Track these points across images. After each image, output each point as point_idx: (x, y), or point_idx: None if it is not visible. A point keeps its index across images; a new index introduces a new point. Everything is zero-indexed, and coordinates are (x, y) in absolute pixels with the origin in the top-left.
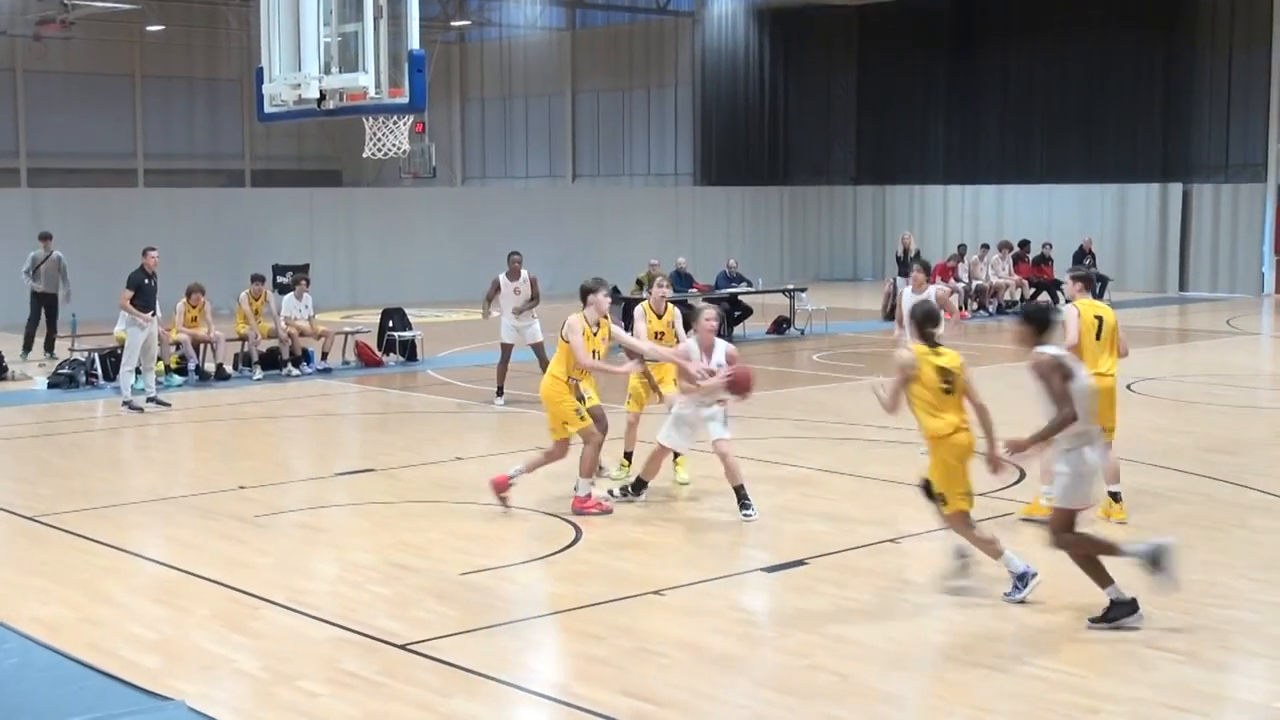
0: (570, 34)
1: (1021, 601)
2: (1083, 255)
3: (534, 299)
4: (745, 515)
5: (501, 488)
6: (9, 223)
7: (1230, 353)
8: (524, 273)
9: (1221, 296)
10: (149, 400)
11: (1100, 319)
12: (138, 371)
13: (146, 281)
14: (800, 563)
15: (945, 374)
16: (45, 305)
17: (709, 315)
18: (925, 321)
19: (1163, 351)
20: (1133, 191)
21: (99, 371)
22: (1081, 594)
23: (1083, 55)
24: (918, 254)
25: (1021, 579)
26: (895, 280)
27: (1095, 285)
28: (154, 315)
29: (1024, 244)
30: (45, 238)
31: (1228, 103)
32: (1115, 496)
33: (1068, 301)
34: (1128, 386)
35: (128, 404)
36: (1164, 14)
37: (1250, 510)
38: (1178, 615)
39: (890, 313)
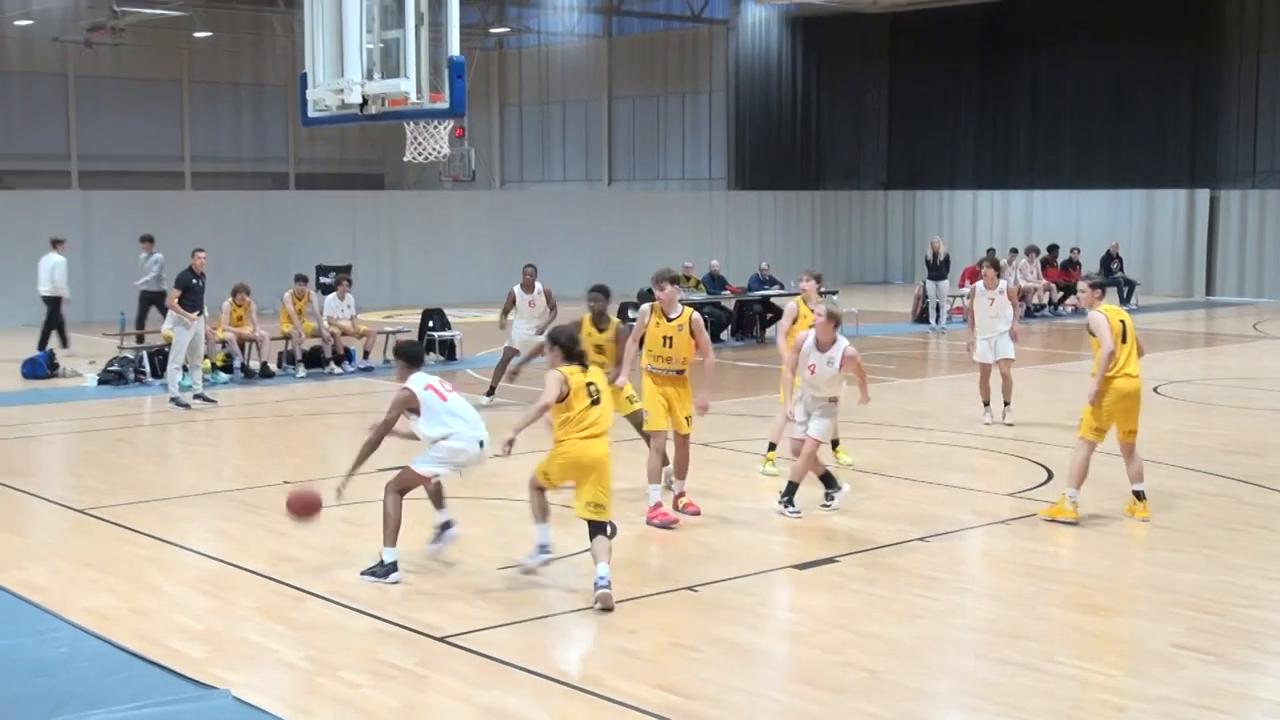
0: (607, 41)
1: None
2: (1110, 260)
3: (552, 310)
4: (783, 509)
5: (665, 520)
6: (61, 223)
7: (1256, 357)
8: (538, 285)
9: (1248, 301)
10: (195, 397)
11: (1123, 322)
12: (185, 369)
13: (194, 282)
14: (831, 560)
15: None
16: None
17: (819, 312)
18: None
19: (1189, 355)
20: (1160, 197)
21: (147, 369)
22: (1113, 594)
23: (1111, 62)
24: (947, 258)
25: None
26: (925, 284)
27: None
28: (201, 315)
29: (1052, 249)
30: (147, 240)
31: (1255, 110)
32: (1139, 495)
33: (1086, 309)
34: (1154, 389)
35: (175, 400)
36: (1192, 22)
37: (1276, 512)
38: (1205, 616)
39: (922, 315)
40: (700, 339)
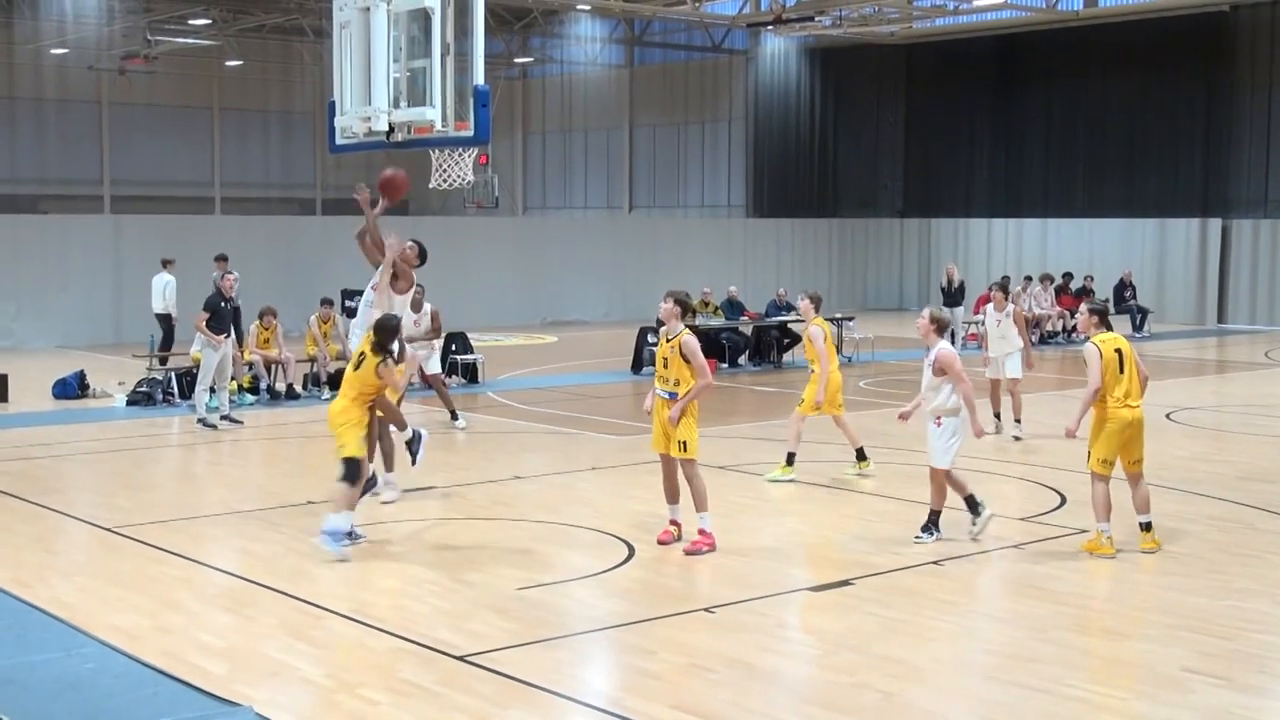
0: (628, 71)
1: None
2: (1124, 288)
3: (435, 332)
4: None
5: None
6: (93, 246)
7: (1268, 384)
8: (426, 305)
9: (1260, 329)
10: (223, 418)
11: (1120, 351)
12: (212, 390)
13: (223, 305)
14: (846, 583)
15: None
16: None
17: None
18: None
19: (1201, 382)
20: (1172, 226)
21: (175, 390)
22: (1123, 618)
23: (1124, 93)
24: (961, 285)
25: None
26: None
27: (1108, 318)
28: (228, 337)
29: (1067, 276)
30: (221, 260)
31: (1267, 140)
32: (1145, 527)
33: (1085, 339)
34: (1167, 416)
35: (202, 421)
36: (1204, 53)
37: None
38: (1216, 640)
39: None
40: (693, 361)
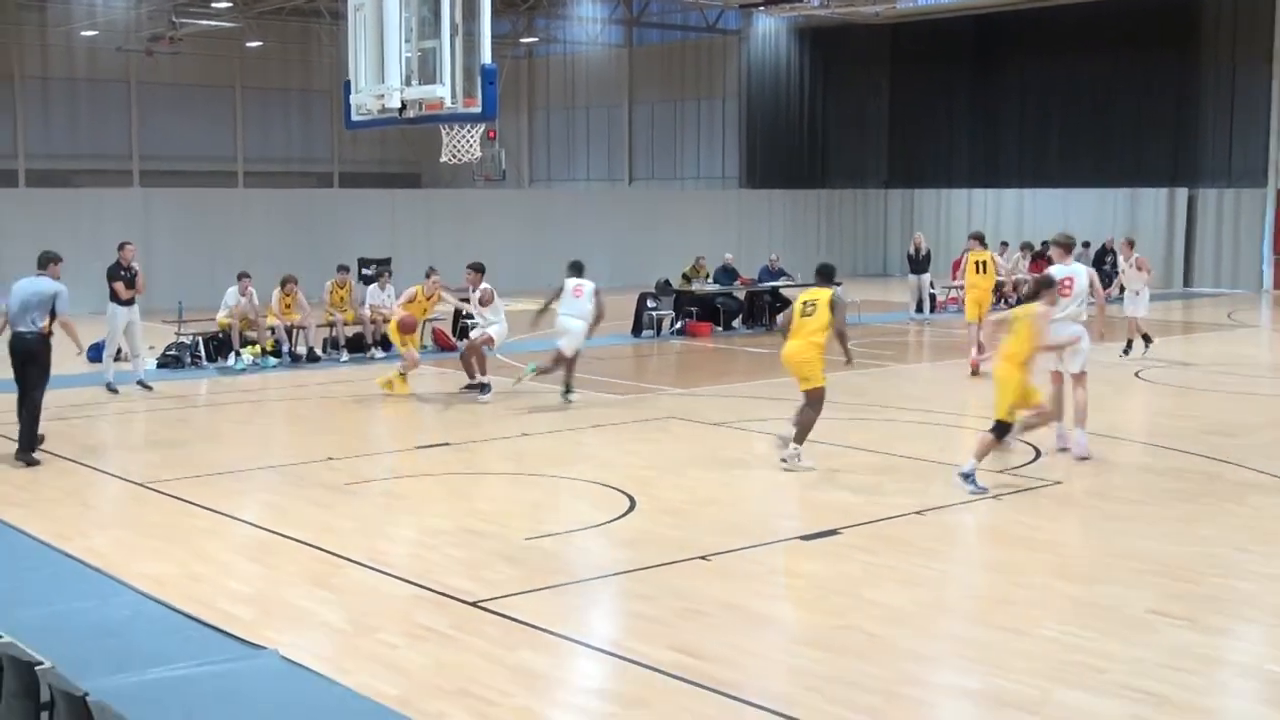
0: (628, 50)
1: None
2: (1104, 254)
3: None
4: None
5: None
6: (124, 219)
7: (1231, 344)
8: (586, 286)
9: (1224, 292)
10: (137, 383)
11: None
12: (119, 356)
13: (123, 273)
14: (834, 532)
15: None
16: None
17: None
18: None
19: (1168, 342)
20: (1142, 195)
21: (202, 353)
22: (1094, 564)
23: (1096, 69)
24: (928, 253)
25: None
26: (918, 278)
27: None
28: (131, 304)
29: (1045, 244)
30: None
31: (1231, 114)
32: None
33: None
34: (1135, 374)
35: (109, 385)
36: (1173, 32)
37: (1249, 489)
38: (1180, 584)
39: (919, 306)
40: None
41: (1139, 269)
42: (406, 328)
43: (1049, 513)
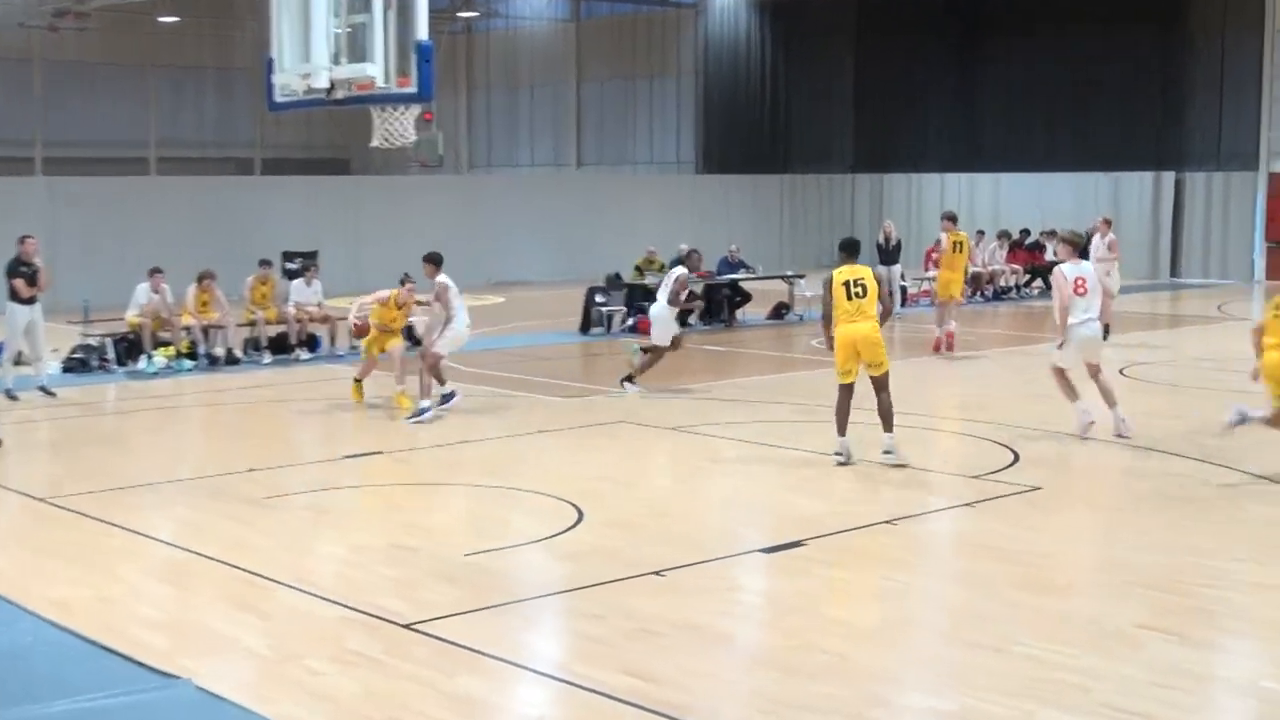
0: (575, 25)
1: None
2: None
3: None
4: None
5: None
6: (25, 209)
7: (1221, 338)
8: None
9: (1213, 283)
10: (39, 389)
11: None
12: (20, 359)
13: (23, 269)
14: (798, 544)
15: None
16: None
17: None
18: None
19: (1155, 337)
20: (1126, 180)
21: (111, 356)
22: (1076, 575)
23: (1078, 46)
24: (899, 243)
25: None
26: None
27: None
28: (33, 302)
29: (1024, 232)
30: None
31: (1220, 93)
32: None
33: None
34: (1121, 371)
35: (8, 392)
36: (1158, 5)
37: (1241, 493)
38: (1168, 596)
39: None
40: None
41: (1110, 250)
42: (360, 332)
43: (1027, 521)
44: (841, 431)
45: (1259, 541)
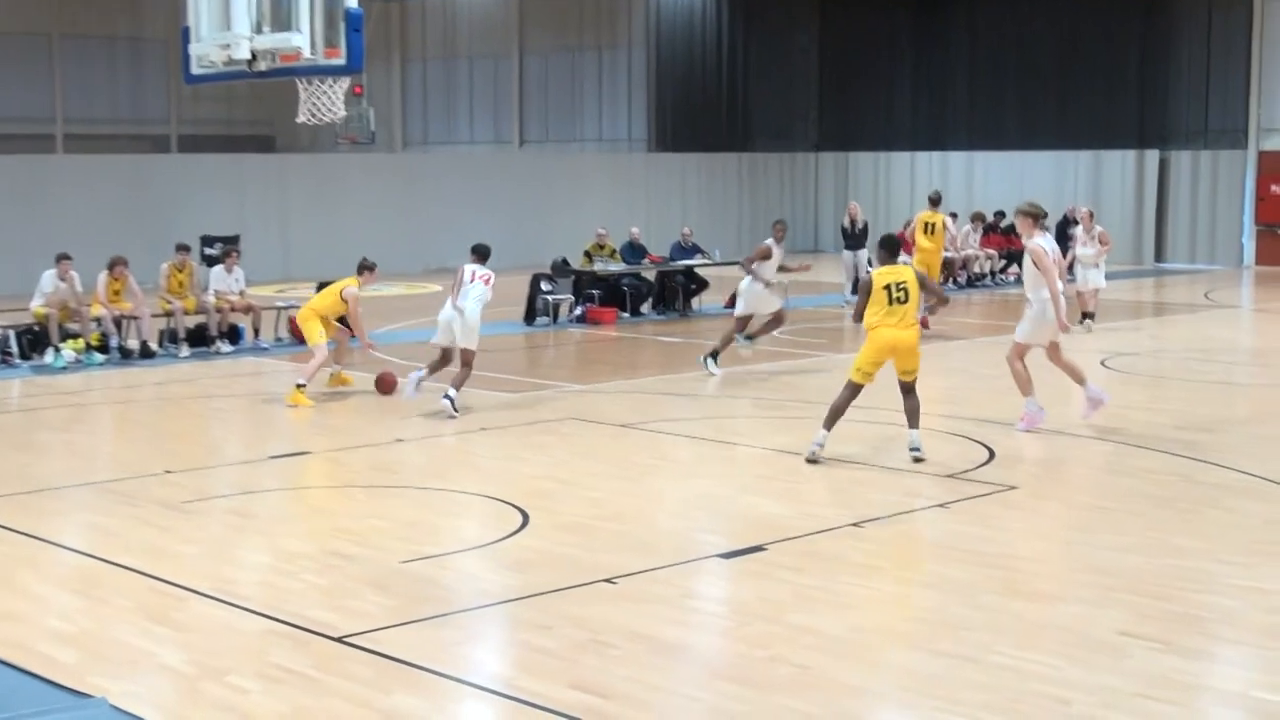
0: None
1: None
2: (1067, 224)
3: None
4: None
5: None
6: None
7: (1208, 327)
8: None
9: (1200, 268)
10: None
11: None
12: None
13: None
14: (759, 548)
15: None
16: None
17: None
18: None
19: (1138, 326)
20: (1108, 158)
21: (14, 349)
22: (1056, 580)
23: (1056, 15)
24: (865, 226)
25: None
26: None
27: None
28: None
29: (998, 215)
30: None
31: (1207, 65)
32: None
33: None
34: (1102, 362)
35: None
36: None
37: (1229, 491)
38: (1153, 602)
39: (855, 286)
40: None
41: (1102, 243)
42: (386, 386)
43: (1003, 522)
44: (828, 426)
45: (1247, 542)
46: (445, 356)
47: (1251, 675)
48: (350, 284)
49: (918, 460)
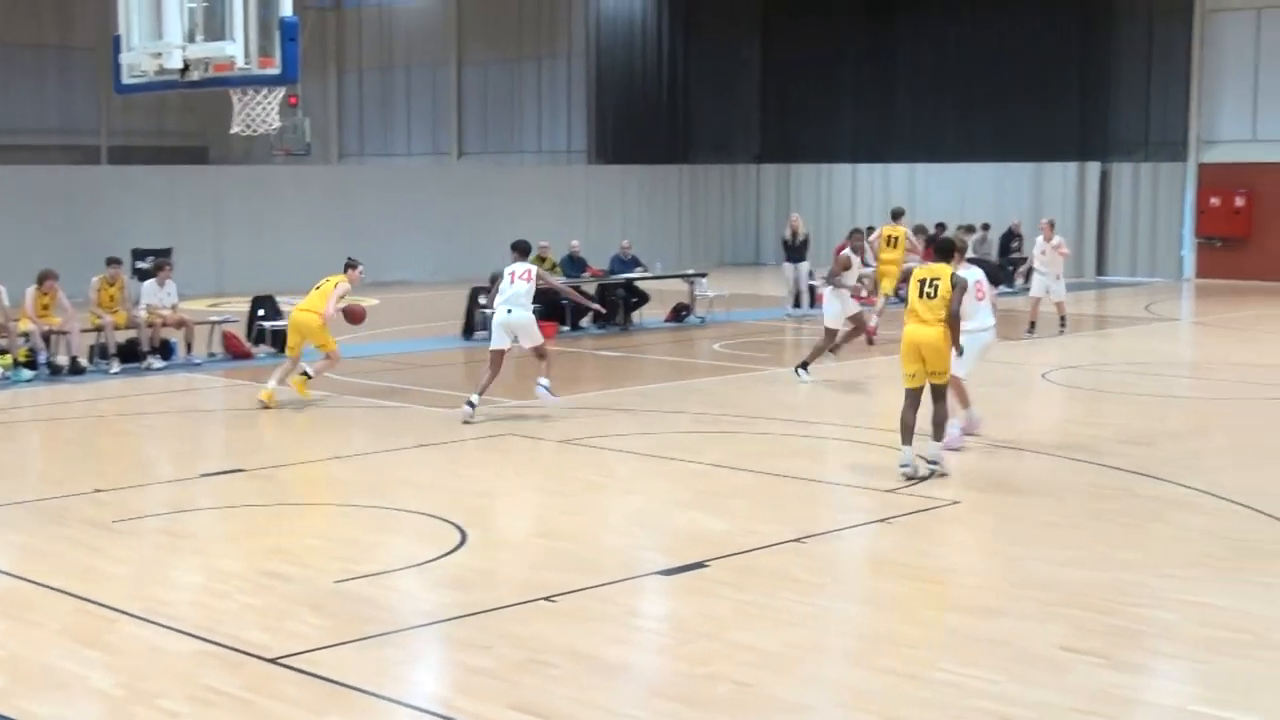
0: (455, 1)
1: None
2: (1010, 238)
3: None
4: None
5: None
6: None
7: (1149, 340)
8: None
9: (1141, 281)
10: None
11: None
12: None
13: None
14: (700, 565)
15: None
16: None
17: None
18: None
19: (1079, 339)
20: (1049, 170)
21: None
22: (997, 594)
23: (998, 27)
24: (806, 238)
25: None
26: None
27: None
28: None
29: (940, 226)
30: None
31: (1147, 78)
32: None
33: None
34: (1043, 375)
35: None
36: None
37: (1169, 505)
38: (1093, 616)
39: (797, 300)
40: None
41: (1060, 253)
42: (355, 316)
43: (944, 537)
44: (906, 441)
45: (1188, 556)
46: (496, 363)
47: (1190, 689)
48: (339, 280)
49: (936, 474)
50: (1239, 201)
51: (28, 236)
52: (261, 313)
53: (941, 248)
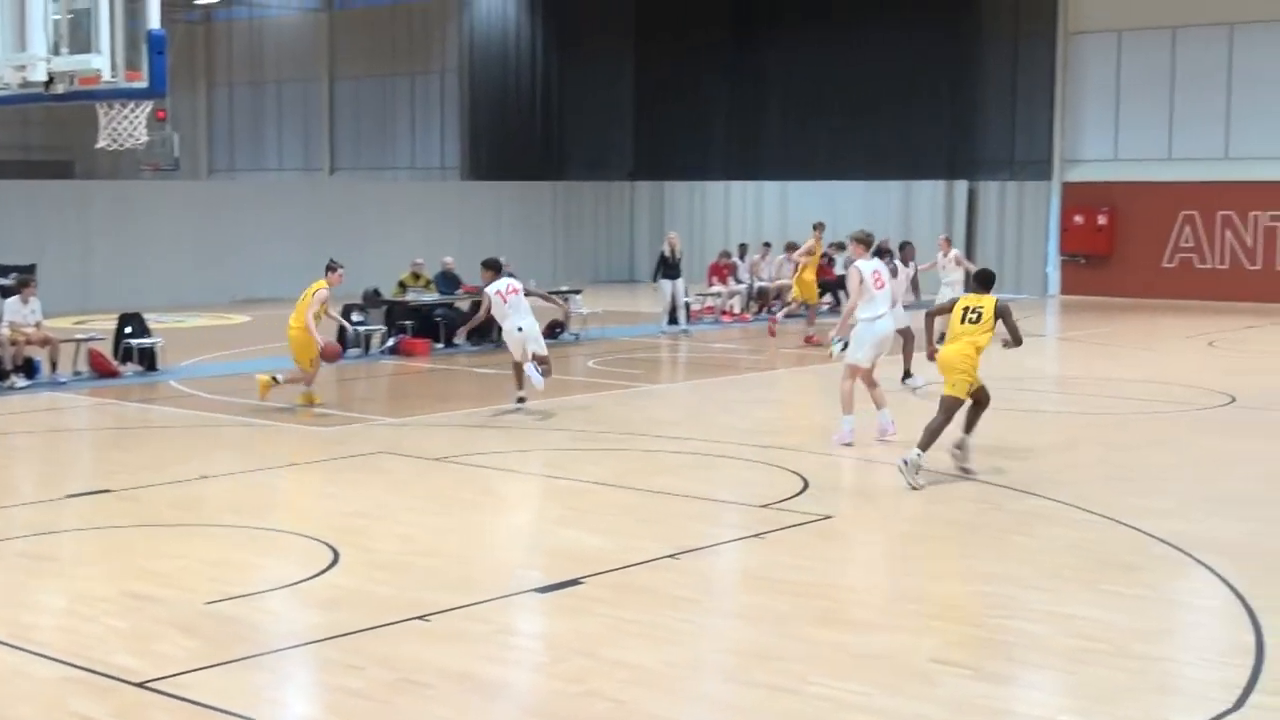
0: (328, 15)
1: None
2: (880, 254)
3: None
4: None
5: None
6: None
7: (1015, 356)
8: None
9: (1007, 297)
10: None
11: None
12: None
13: None
14: (575, 582)
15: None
16: None
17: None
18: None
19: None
20: (918, 188)
21: None
22: (870, 608)
23: (867, 46)
24: (679, 256)
25: None
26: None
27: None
28: None
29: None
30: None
31: (1013, 97)
32: None
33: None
34: (913, 391)
35: None
36: (947, 6)
37: (1034, 518)
38: (962, 628)
39: (672, 316)
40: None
41: (957, 264)
42: (329, 355)
43: (817, 552)
44: (955, 445)
45: (1055, 568)
46: (520, 370)
47: (1057, 700)
48: (320, 286)
49: (914, 488)
50: (1101, 220)
51: None
52: (129, 330)
53: (982, 279)
